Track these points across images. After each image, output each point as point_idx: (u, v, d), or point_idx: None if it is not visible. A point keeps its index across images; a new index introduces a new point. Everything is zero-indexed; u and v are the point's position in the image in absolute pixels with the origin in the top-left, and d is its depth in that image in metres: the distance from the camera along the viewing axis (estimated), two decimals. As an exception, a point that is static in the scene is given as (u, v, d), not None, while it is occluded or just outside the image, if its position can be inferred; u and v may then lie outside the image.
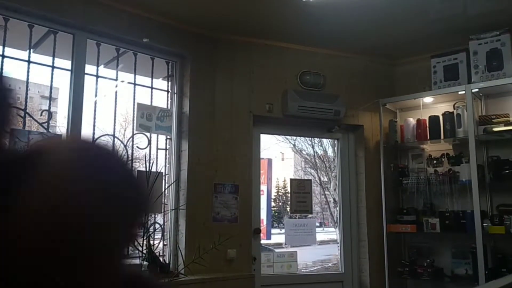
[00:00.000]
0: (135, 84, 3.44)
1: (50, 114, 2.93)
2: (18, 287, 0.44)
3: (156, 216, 3.37)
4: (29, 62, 2.88)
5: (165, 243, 3.41)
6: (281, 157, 8.77)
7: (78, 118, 3.01)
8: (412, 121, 3.95)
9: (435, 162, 3.88)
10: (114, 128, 3.24)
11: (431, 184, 3.80)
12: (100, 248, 0.47)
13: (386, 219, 3.80)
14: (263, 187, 4.26)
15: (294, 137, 5.94)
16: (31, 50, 2.92)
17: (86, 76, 3.11)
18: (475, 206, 3.37)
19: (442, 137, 3.77)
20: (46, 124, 2.90)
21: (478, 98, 3.72)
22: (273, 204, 6.71)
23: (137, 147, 3.35)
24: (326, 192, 6.67)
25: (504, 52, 3.48)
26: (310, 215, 4.28)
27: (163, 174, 3.44)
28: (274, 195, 7.84)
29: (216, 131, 3.62)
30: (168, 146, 3.54)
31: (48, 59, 2.99)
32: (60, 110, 3.01)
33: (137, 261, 2.90)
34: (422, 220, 3.73)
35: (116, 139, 3.25)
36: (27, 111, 2.84)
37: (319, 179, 6.60)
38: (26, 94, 2.85)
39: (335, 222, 5.62)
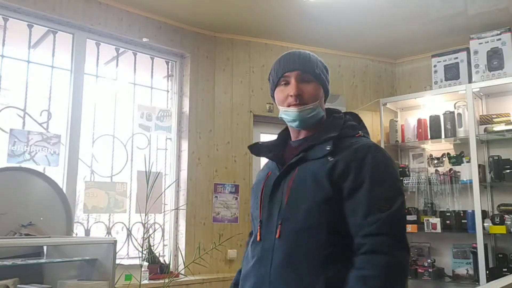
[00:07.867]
0: (135, 84, 3.43)
1: (50, 114, 2.92)
2: None
3: (156, 216, 3.37)
4: (28, 61, 2.88)
5: (165, 243, 3.40)
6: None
7: (77, 118, 3.00)
8: (412, 120, 3.94)
9: (436, 161, 3.88)
10: (114, 128, 3.24)
11: (432, 183, 3.79)
12: None
13: (386, 219, 3.78)
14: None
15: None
16: (31, 50, 2.92)
17: (85, 75, 3.10)
18: (476, 205, 3.36)
19: (443, 136, 3.76)
20: (46, 124, 2.90)
21: (478, 97, 3.71)
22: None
23: (137, 147, 3.34)
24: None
25: (504, 51, 3.48)
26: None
27: (163, 174, 3.43)
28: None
29: (216, 131, 3.62)
30: (167, 146, 3.54)
31: (47, 59, 2.99)
32: (60, 110, 2.99)
33: (137, 261, 2.89)
34: (423, 219, 3.72)
35: (115, 139, 3.24)
36: (26, 111, 2.84)
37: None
38: (26, 94, 2.84)
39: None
